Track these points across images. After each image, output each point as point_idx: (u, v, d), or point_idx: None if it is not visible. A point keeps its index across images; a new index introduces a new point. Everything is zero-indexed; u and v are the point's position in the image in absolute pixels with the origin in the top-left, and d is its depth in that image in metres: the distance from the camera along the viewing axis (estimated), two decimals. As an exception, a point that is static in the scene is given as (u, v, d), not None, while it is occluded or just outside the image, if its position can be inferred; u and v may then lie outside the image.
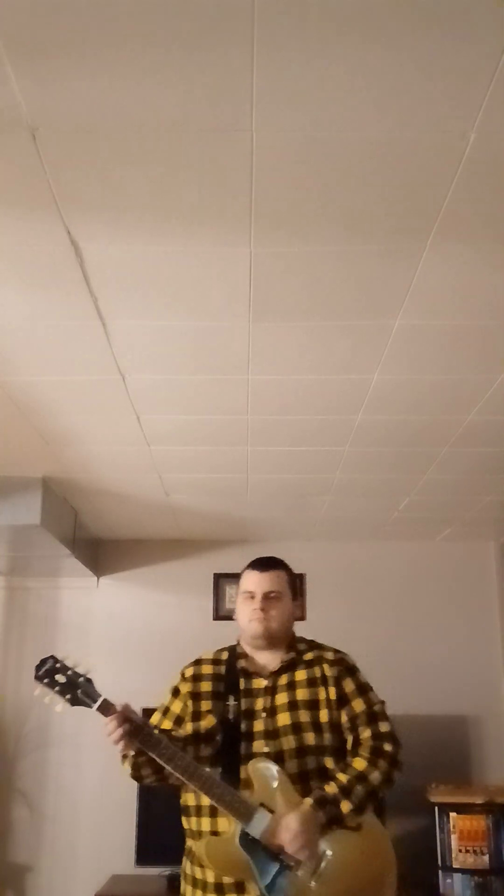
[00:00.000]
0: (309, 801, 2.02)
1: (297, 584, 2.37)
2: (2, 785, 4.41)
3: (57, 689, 2.10)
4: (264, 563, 2.30)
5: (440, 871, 3.85)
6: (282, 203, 1.72)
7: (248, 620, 2.23)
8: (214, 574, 4.69)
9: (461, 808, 3.89)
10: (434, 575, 4.74)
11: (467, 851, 3.83)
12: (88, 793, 4.32)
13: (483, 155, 1.56)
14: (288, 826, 1.99)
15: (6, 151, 1.54)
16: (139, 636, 4.54)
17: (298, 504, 4.06)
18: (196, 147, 1.54)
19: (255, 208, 1.73)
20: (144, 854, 3.96)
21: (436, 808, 3.93)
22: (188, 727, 2.19)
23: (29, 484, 3.55)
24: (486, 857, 3.81)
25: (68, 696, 2.10)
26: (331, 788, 2.04)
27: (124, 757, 2.14)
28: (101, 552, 4.79)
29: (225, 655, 2.29)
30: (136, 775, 2.17)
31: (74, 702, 2.09)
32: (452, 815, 3.88)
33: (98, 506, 4.06)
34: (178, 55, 1.34)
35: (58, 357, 2.45)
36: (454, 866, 3.82)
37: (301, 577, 4.74)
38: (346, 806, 2.02)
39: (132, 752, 2.08)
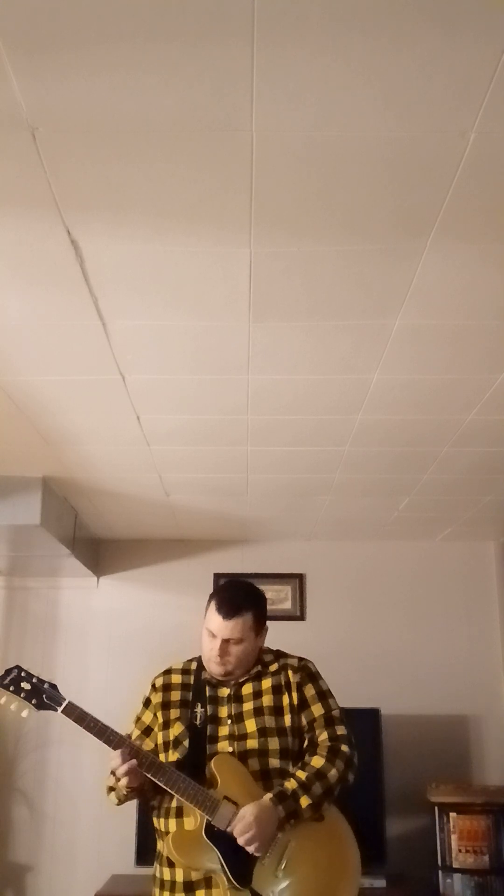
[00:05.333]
0: (269, 795, 2.07)
1: (264, 614, 2.31)
2: (2, 785, 4.41)
3: (22, 695, 2.21)
4: (229, 610, 2.23)
5: (440, 871, 3.85)
6: (282, 202, 1.72)
7: (207, 658, 2.26)
8: (214, 574, 4.67)
9: (461, 808, 3.89)
10: (434, 575, 4.74)
11: (467, 851, 3.83)
12: (88, 793, 4.31)
13: (483, 155, 1.56)
14: (242, 817, 2.04)
15: (6, 151, 1.54)
16: (139, 636, 4.53)
17: (298, 504, 4.06)
18: (196, 146, 1.54)
19: (255, 208, 1.72)
20: (144, 854, 3.94)
21: (436, 808, 3.93)
22: (158, 737, 2.25)
23: (29, 484, 3.55)
24: (486, 857, 3.81)
25: (34, 701, 2.21)
26: (290, 784, 2.09)
27: (111, 789, 2.21)
28: (101, 552, 4.79)
29: (193, 665, 2.34)
30: (121, 804, 2.24)
31: (40, 706, 2.21)
32: (452, 815, 3.88)
33: (98, 506, 4.06)
34: (179, 54, 1.34)
35: (58, 357, 2.45)
36: (454, 866, 3.82)
37: (301, 577, 4.75)
38: (304, 801, 2.06)
39: (133, 786, 2.12)
